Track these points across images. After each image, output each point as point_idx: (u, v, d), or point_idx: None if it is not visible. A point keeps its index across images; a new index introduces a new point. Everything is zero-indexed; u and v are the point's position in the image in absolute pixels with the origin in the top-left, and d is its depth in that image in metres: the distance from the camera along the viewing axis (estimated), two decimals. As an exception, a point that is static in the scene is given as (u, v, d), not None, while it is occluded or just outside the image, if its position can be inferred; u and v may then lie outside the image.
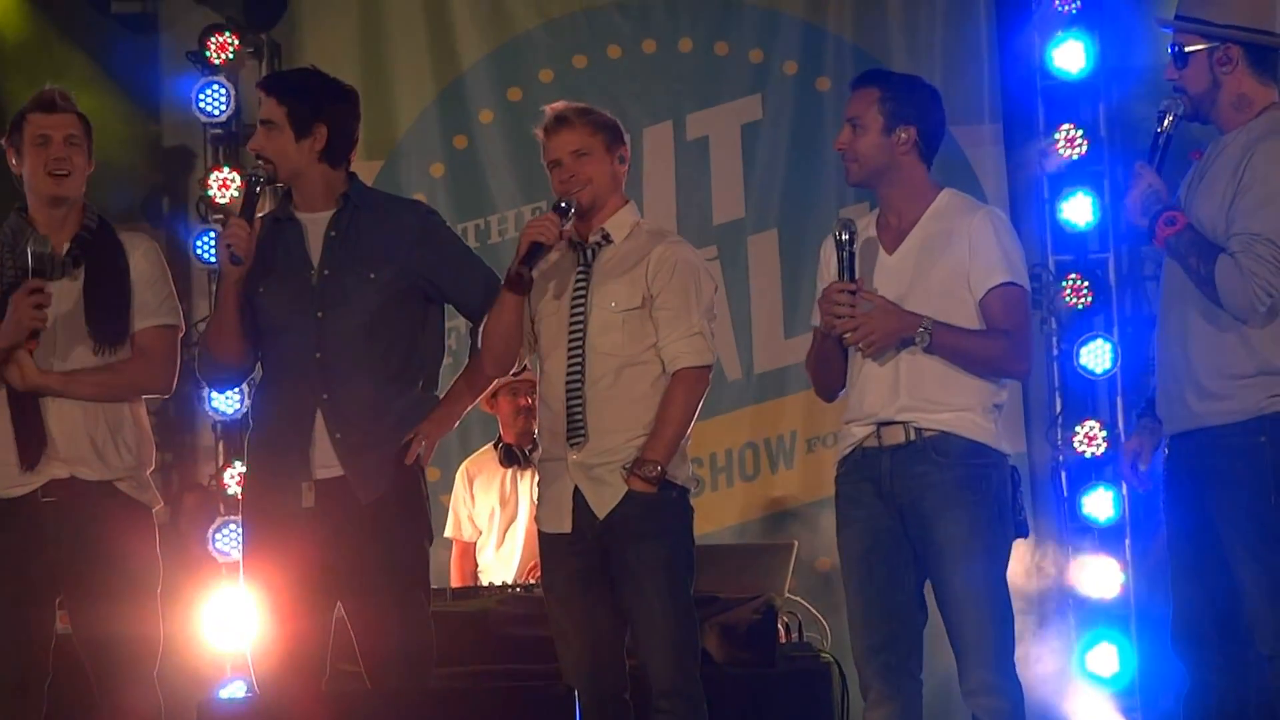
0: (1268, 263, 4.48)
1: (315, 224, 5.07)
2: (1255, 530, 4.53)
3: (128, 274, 5.08)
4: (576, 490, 4.98)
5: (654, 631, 4.93)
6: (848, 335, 4.76)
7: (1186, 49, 4.69)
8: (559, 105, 5.12)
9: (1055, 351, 7.92)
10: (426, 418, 5.03)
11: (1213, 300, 4.55)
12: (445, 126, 8.21)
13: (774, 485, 8.03)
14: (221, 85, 8.02)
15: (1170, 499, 4.75)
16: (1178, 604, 4.72)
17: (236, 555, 7.57)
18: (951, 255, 4.78)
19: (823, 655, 6.04)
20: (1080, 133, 7.84)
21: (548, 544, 5.08)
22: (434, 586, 5.23)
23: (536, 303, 5.09)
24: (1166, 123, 4.72)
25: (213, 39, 8.02)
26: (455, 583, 7.01)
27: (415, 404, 5.04)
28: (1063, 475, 7.84)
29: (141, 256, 5.13)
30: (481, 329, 5.08)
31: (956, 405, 4.74)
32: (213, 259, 7.82)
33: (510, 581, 6.65)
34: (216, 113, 8.02)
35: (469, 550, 7.14)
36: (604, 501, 4.95)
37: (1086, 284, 7.84)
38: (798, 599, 6.22)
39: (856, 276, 4.77)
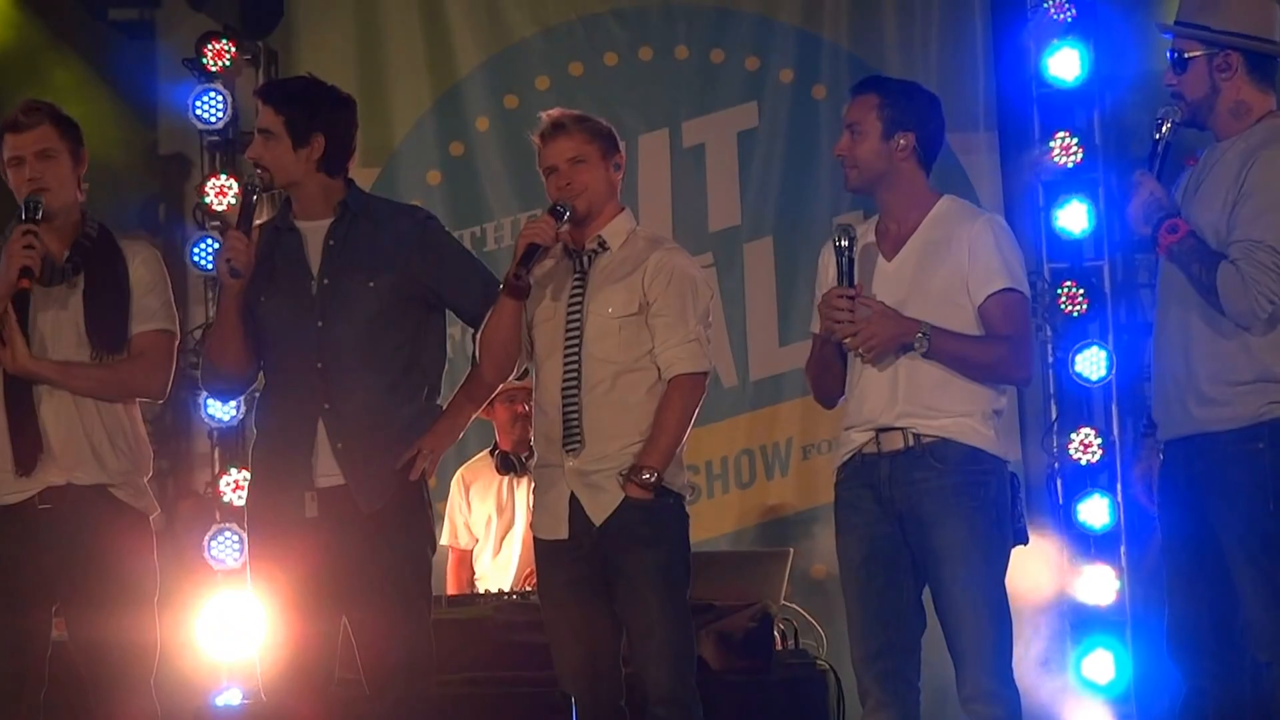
0: (1269, 270, 4.49)
1: (314, 232, 5.07)
2: (1253, 537, 4.53)
3: (127, 281, 5.08)
4: (573, 497, 4.99)
5: (650, 638, 4.93)
6: (847, 341, 4.77)
7: (1186, 55, 4.69)
8: (555, 112, 5.13)
9: (1050, 359, 7.92)
10: (429, 431, 5.03)
11: (1215, 307, 4.56)
12: (442, 134, 8.22)
13: (770, 492, 8.03)
14: (218, 92, 8.02)
15: (1166, 505, 4.76)
16: (1173, 610, 4.72)
17: (232, 563, 7.62)
18: (950, 262, 4.78)
19: (818, 662, 6.04)
20: (1075, 140, 7.85)
21: (544, 550, 5.09)
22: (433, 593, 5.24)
23: (533, 309, 5.10)
24: (1164, 129, 4.72)
25: (210, 46, 8.02)
26: (452, 590, 7.01)
27: (418, 414, 5.04)
28: (1058, 482, 7.85)
29: (141, 263, 5.13)
30: (479, 336, 5.08)
31: (955, 411, 4.75)
32: (210, 266, 7.84)
33: (507, 589, 6.65)
34: (213, 120, 8.02)
35: (465, 558, 7.14)
36: (600, 508, 4.96)
37: (1082, 291, 7.85)
38: (794, 606, 6.23)
39: (856, 282, 4.77)
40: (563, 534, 5.00)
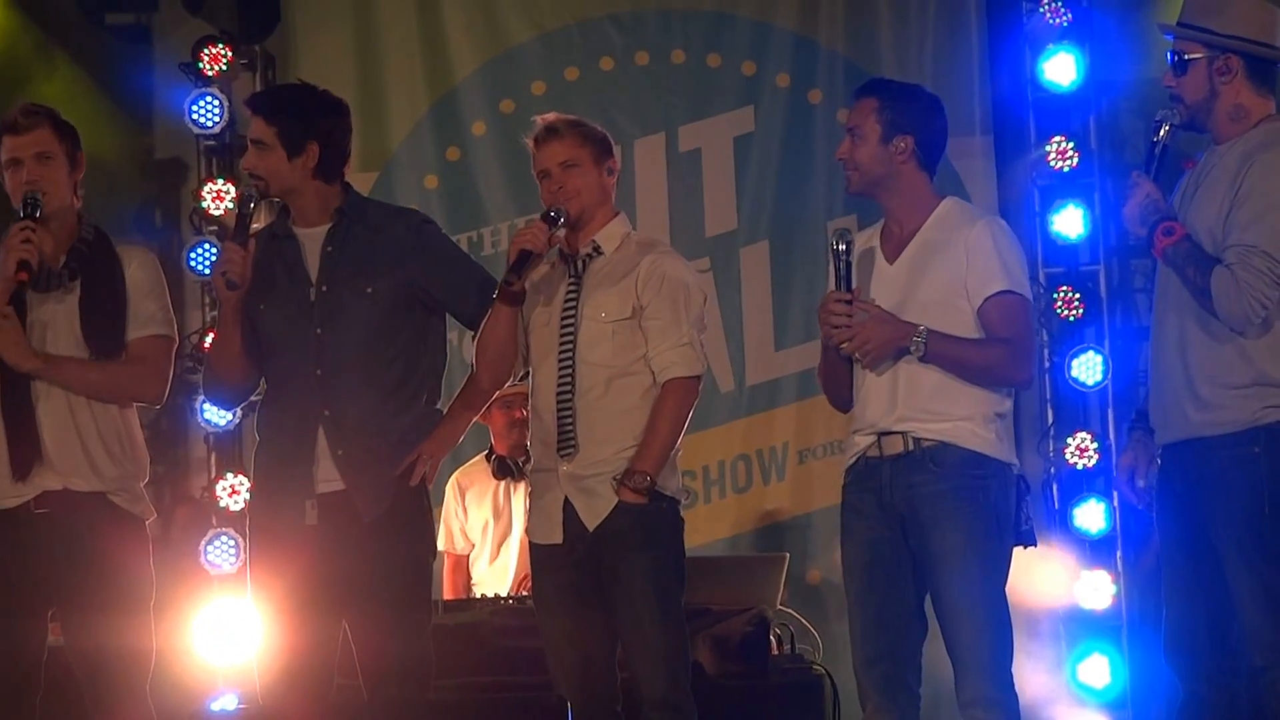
0: (1264, 275, 4.49)
1: (312, 239, 5.06)
2: (1250, 541, 4.53)
3: (123, 286, 5.08)
4: (567, 501, 4.99)
5: (645, 643, 4.93)
6: (844, 345, 4.77)
7: (1186, 56, 4.69)
8: (549, 116, 5.13)
9: (1047, 364, 7.92)
10: (429, 437, 5.03)
11: (1208, 310, 4.56)
12: (438, 138, 8.23)
13: (766, 497, 8.03)
14: (215, 97, 8.02)
15: (1163, 508, 4.76)
16: (1170, 615, 4.71)
17: (229, 568, 7.62)
18: (948, 264, 4.78)
19: (815, 667, 6.04)
20: (1071, 145, 7.86)
21: (538, 555, 5.09)
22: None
23: (528, 314, 5.10)
24: (1162, 133, 4.71)
25: (206, 51, 8.02)
26: (448, 596, 7.00)
27: (418, 420, 5.04)
28: (1054, 487, 7.85)
29: (138, 267, 5.12)
30: (475, 342, 5.09)
31: (955, 415, 4.74)
32: (206, 271, 7.83)
33: (505, 594, 6.64)
34: (210, 124, 8.02)
35: (461, 563, 7.12)
36: (595, 512, 4.96)
37: (1077, 296, 7.85)
38: (790, 611, 6.23)
39: (854, 286, 4.77)
40: (557, 539, 4.99)
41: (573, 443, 4.97)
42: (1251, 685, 4.59)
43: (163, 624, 5.13)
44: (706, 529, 7.82)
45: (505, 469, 7.02)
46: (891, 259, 4.86)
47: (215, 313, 5.19)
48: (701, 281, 5.30)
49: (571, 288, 5.06)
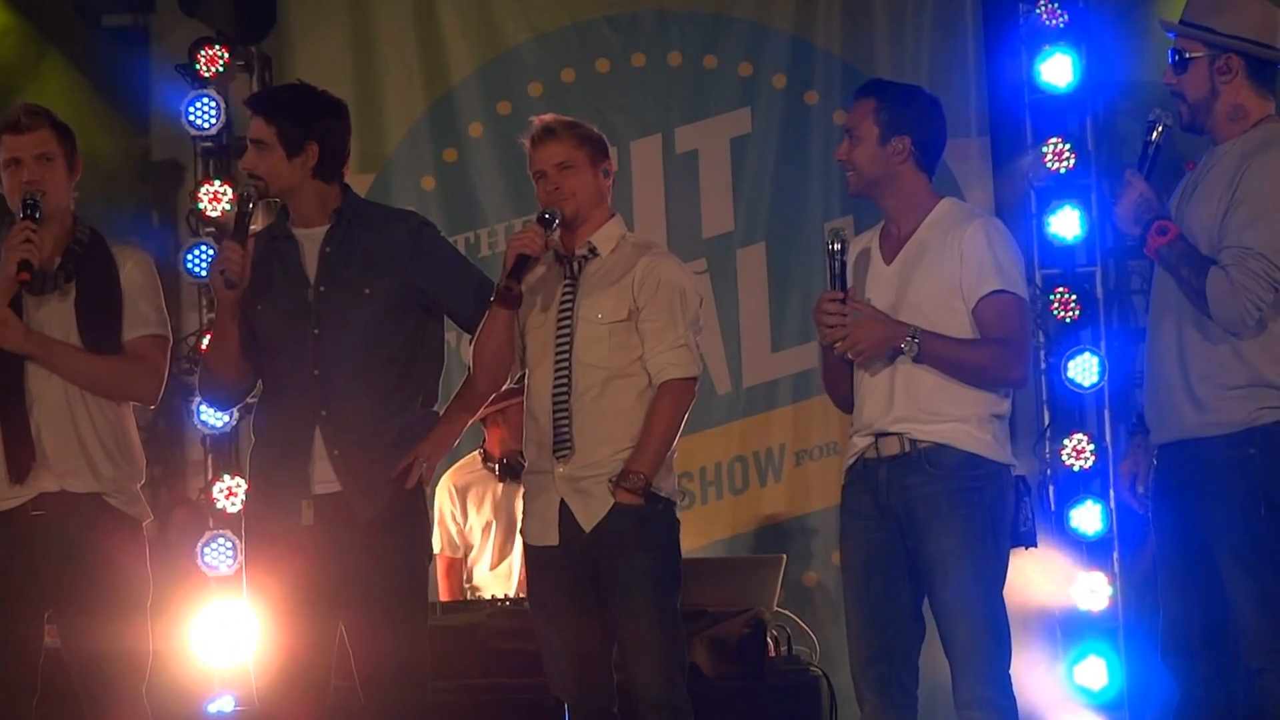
0: (1259, 278, 4.49)
1: (311, 240, 5.06)
2: (1245, 542, 4.53)
3: (119, 287, 5.08)
4: (563, 503, 4.99)
5: (641, 644, 4.94)
6: (837, 346, 4.77)
7: (1188, 55, 4.69)
8: (546, 117, 5.14)
9: (1043, 365, 7.93)
10: (425, 438, 5.03)
11: (1201, 311, 4.56)
12: (435, 140, 8.22)
13: (763, 499, 8.03)
14: (211, 98, 8.02)
15: (1159, 509, 4.76)
16: (1166, 616, 4.71)
17: (225, 569, 7.62)
18: (944, 264, 4.78)
19: (811, 669, 6.04)
20: (1068, 146, 7.86)
21: (534, 556, 5.09)
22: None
23: (525, 316, 5.10)
24: (1156, 133, 4.71)
25: (203, 52, 8.02)
26: (443, 599, 6.98)
27: (414, 421, 5.04)
28: (1050, 489, 7.86)
29: (133, 267, 5.12)
30: (472, 345, 5.09)
31: (952, 416, 4.74)
32: (203, 273, 7.83)
33: (510, 595, 6.62)
34: (206, 126, 8.02)
35: (455, 566, 7.08)
36: (590, 514, 4.96)
37: (1074, 297, 7.85)
38: (787, 613, 6.23)
39: (849, 286, 4.77)
40: (553, 540, 5.00)
41: (569, 444, 4.97)
42: (1248, 686, 4.59)
43: (160, 626, 5.13)
44: (703, 530, 7.82)
45: (513, 471, 6.93)
46: (889, 259, 4.87)
47: (212, 314, 5.15)
48: (698, 283, 5.30)
49: (567, 289, 5.06)
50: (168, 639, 6.35)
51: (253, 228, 5.12)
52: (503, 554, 6.99)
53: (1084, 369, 7.79)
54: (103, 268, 5.08)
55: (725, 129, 8.17)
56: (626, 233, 5.19)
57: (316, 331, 4.99)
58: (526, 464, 5.15)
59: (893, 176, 4.86)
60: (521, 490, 6.81)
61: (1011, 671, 4.75)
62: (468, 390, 5.15)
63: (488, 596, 6.81)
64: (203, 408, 7.78)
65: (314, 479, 4.95)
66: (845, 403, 4.97)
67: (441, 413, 5.14)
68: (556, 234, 5.05)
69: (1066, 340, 7.86)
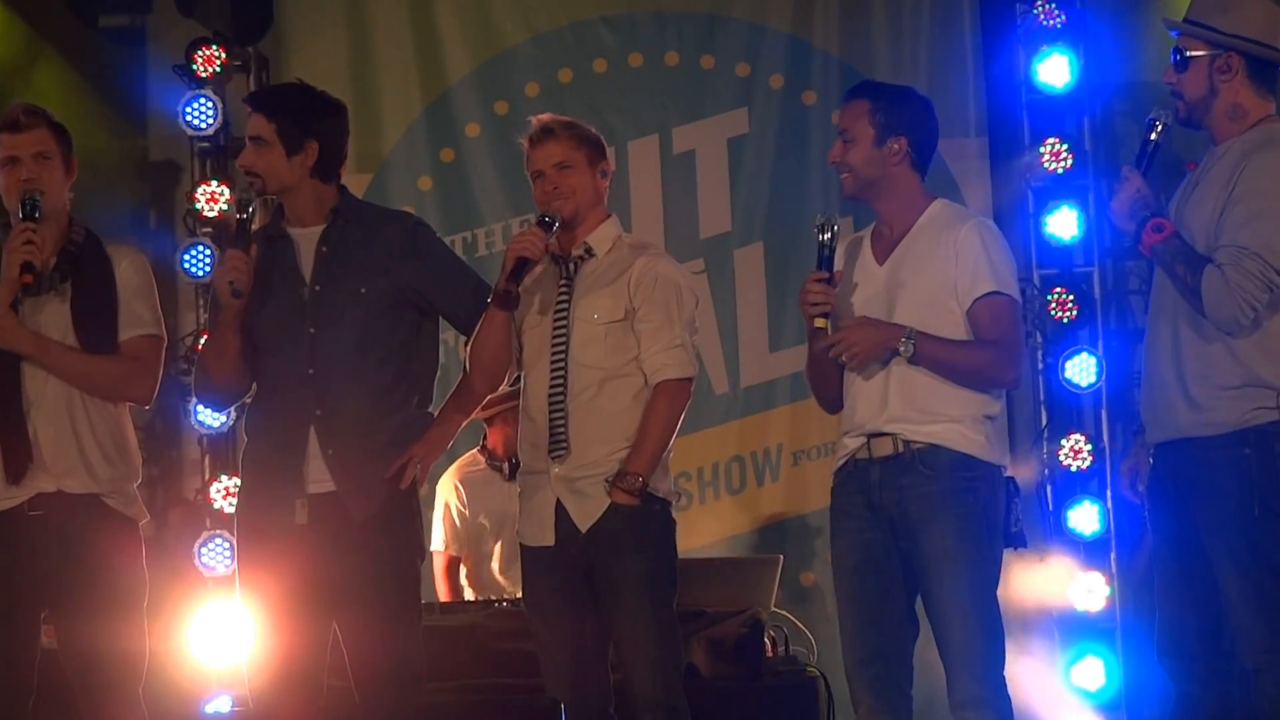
0: (1255, 278, 4.48)
1: (306, 239, 5.06)
2: (1239, 542, 4.53)
3: (115, 287, 5.08)
4: (559, 503, 4.99)
5: (637, 644, 4.94)
6: (832, 350, 4.77)
7: (1188, 54, 4.68)
8: (544, 117, 5.14)
9: (1040, 365, 7.93)
10: (419, 439, 5.02)
11: (1196, 310, 4.56)
12: (432, 140, 8.22)
13: (760, 499, 8.03)
14: (208, 99, 8.01)
15: (1155, 508, 4.75)
16: (1162, 616, 4.72)
17: (223, 570, 7.61)
18: (937, 266, 4.79)
19: (809, 669, 6.04)
20: (1065, 146, 7.86)
21: (529, 557, 5.09)
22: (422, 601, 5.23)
23: (521, 316, 5.10)
24: (1156, 132, 4.71)
25: (200, 52, 8.00)
26: (444, 598, 6.97)
27: (409, 422, 5.03)
28: (1048, 489, 7.85)
29: (128, 266, 5.12)
30: (469, 346, 5.09)
31: (945, 417, 4.74)
32: (200, 273, 7.84)
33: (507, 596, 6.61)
34: (203, 126, 8.01)
35: (455, 565, 7.08)
36: (586, 514, 4.96)
37: (1072, 298, 7.85)
38: (784, 613, 6.23)
39: (835, 269, 4.77)
40: (549, 541, 5.00)
41: (564, 444, 4.97)
42: (1244, 686, 4.59)
43: (157, 626, 5.14)
44: (701, 531, 7.81)
45: None
46: (881, 260, 4.87)
47: (210, 315, 5.14)
48: (695, 283, 5.30)
49: (563, 290, 5.06)
50: (165, 639, 6.36)
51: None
52: (514, 555, 6.96)
53: (1081, 369, 7.78)
54: (98, 268, 5.08)
55: (723, 129, 8.17)
56: (623, 233, 5.19)
57: (312, 330, 4.99)
58: (522, 464, 5.15)
59: (888, 178, 4.86)
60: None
61: (1008, 672, 4.75)
62: (464, 391, 5.15)
63: (496, 597, 6.77)
64: (200, 408, 7.77)
65: (308, 478, 4.95)
66: (830, 402, 4.97)
67: (437, 413, 5.14)
68: (555, 237, 5.04)
69: (1064, 340, 7.86)
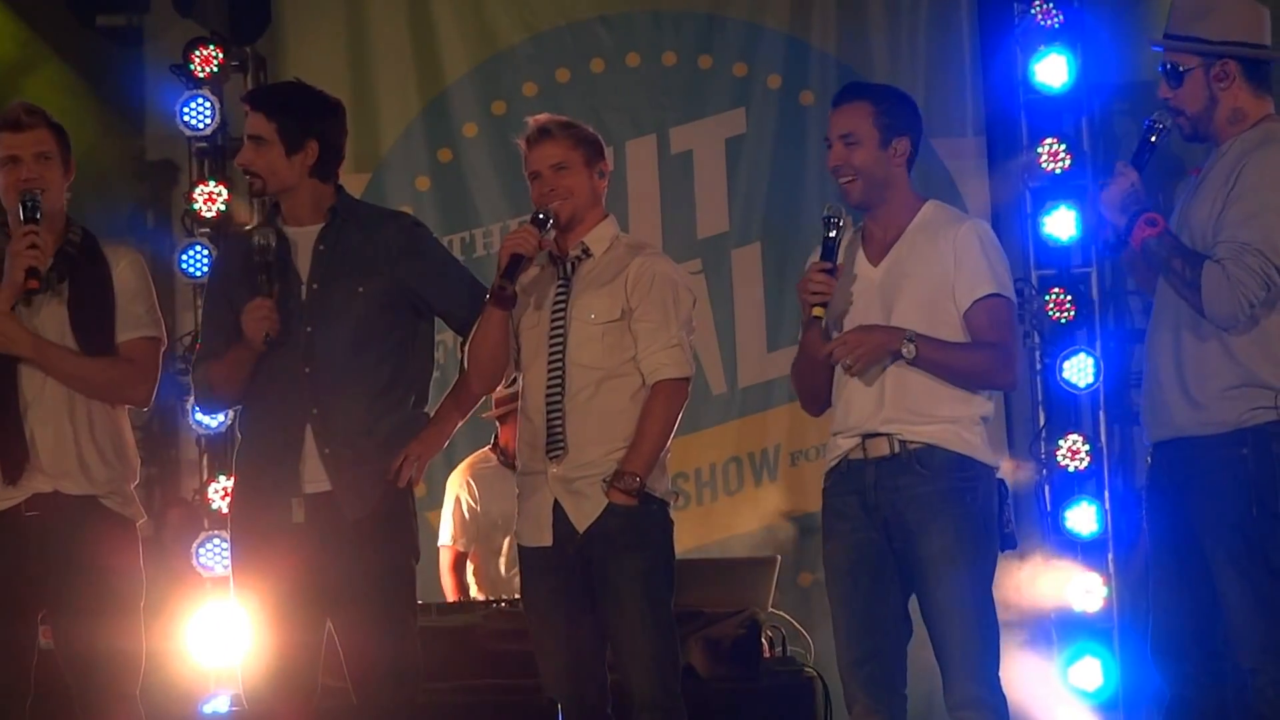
0: (1255, 274, 4.48)
1: (304, 238, 5.06)
2: (1236, 543, 4.52)
3: (112, 287, 5.07)
4: (556, 503, 4.99)
5: (634, 645, 4.93)
6: (833, 355, 4.76)
7: (1181, 68, 4.66)
8: (541, 117, 5.13)
9: (1038, 365, 7.93)
10: (416, 438, 5.02)
11: (1193, 305, 4.55)
12: (430, 140, 8.22)
13: (758, 499, 8.03)
14: (206, 99, 8.01)
15: (1152, 508, 4.75)
16: (1157, 616, 4.71)
17: (220, 570, 7.60)
18: (936, 267, 4.78)
19: (806, 670, 6.04)
20: (1063, 146, 7.86)
21: (527, 558, 5.09)
22: (421, 601, 5.23)
23: (518, 316, 5.10)
24: (1155, 135, 4.70)
25: (197, 52, 8.00)
26: (453, 593, 6.96)
27: (405, 421, 5.03)
28: (1046, 489, 7.85)
29: (126, 268, 5.12)
30: (467, 346, 5.08)
31: (942, 417, 4.74)
32: (197, 273, 7.84)
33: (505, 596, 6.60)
34: (201, 126, 8.02)
35: (462, 561, 7.07)
36: (584, 514, 4.96)
37: (1069, 298, 7.85)
38: (781, 614, 6.22)
39: (838, 262, 4.76)
40: (546, 541, 4.99)
41: (562, 444, 4.97)
42: (1239, 687, 4.58)
43: (155, 627, 5.13)
44: (698, 531, 7.82)
45: None
46: (875, 261, 4.86)
47: (231, 351, 5.09)
48: (692, 283, 5.30)
49: (561, 290, 5.06)
50: (163, 639, 6.36)
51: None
52: None
53: (1079, 369, 7.78)
54: (95, 269, 5.08)
55: (720, 129, 8.17)
56: (620, 233, 5.18)
57: (309, 329, 4.98)
58: (520, 465, 5.14)
59: (890, 179, 4.85)
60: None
61: (1006, 673, 4.75)
62: (461, 391, 5.14)
63: (501, 596, 6.76)
64: (198, 408, 7.76)
65: (304, 477, 4.95)
66: (813, 399, 4.96)
67: (433, 414, 5.13)
68: (551, 234, 5.04)
69: (1062, 341, 7.86)
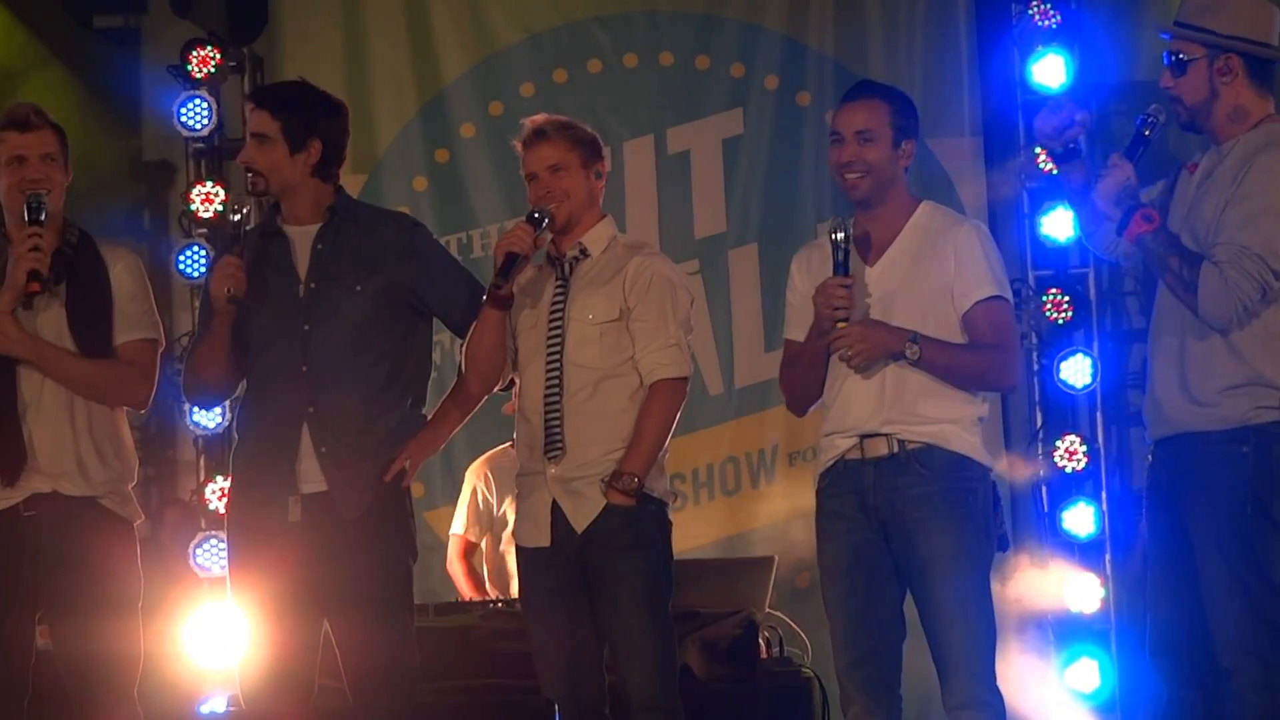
0: (1252, 278, 4.48)
1: (302, 237, 5.06)
2: (1228, 540, 4.52)
3: (110, 288, 5.07)
4: (555, 504, 4.99)
5: (632, 645, 4.93)
6: (836, 351, 4.76)
7: (1185, 57, 4.66)
8: (538, 118, 5.13)
9: (1036, 366, 7.93)
10: (413, 438, 5.02)
11: (1187, 304, 4.55)
12: (427, 141, 8.23)
13: (755, 500, 8.03)
14: (203, 99, 8.02)
15: (1152, 508, 4.75)
16: (1154, 617, 4.71)
17: (218, 570, 7.61)
18: (935, 269, 4.78)
19: (803, 670, 6.04)
20: (1062, 147, 7.85)
21: (526, 558, 5.09)
22: (419, 601, 5.23)
23: (516, 317, 5.10)
24: (1150, 128, 4.69)
25: (194, 53, 8.00)
26: (464, 578, 6.96)
27: (402, 421, 5.03)
28: (1043, 490, 7.85)
29: (124, 269, 5.12)
30: (465, 347, 5.08)
31: (941, 418, 4.75)
32: (195, 274, 7.84)
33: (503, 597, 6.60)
34: (198, 127, 8.02)
35: (473, 549, 7.07)
36: (582, 515, 4.96)
37: (1067, 299, 7.84)
38: (778, 614, 6.22)
39: (850, 273, 4.76)
40: (545, 541, 4.99)
41: (560, 445, 4.97)
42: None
43: (152, 627, 5.13)
44: (695, 531, 7.81)
45: None
46: (871, 261, 4.86)
47: (201, 318, 5.12)
48: (689, 283, 5.30)
49: (558, 290, 5.06)
50: (160, 640, 6.35)
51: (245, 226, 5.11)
52: None
53: (1076, 370, 7.78)
54: (93, 270, 5.08)
55: (717, 130, 8.17)
56: (617, 233, 5.19)
57: (306, 327, 4.99)
58: (519, 465, 5.15)
59: (895, 179, 4.86)
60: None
61: (1003, 673, 4.76)
62: (460, 392, 5.14)
63: (501, 595, 6.76)
64: (195, 409, 7.77)
65: (301, 477, 4.95)
66: (803, 406, 4.95)
67: (430, 415, 5.13)
68: (547, 233, 5.04)
69: (1059, 341, 7.85)
